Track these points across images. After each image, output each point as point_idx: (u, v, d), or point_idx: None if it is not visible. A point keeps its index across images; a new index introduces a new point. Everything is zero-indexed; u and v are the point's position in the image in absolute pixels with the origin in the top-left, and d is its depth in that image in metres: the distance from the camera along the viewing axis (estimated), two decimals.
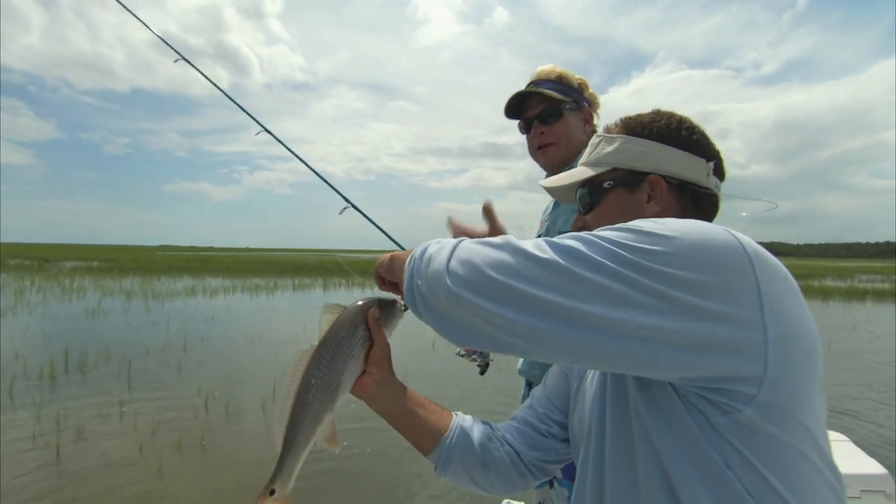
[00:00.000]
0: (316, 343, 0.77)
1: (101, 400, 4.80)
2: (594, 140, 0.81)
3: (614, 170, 0.76)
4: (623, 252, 0.53)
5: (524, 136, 1.56)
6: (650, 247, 0.52)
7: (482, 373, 1.63)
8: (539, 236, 1.59)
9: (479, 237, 1.25)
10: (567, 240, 0.55)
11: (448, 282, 0.56)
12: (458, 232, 1.19)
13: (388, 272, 0.74)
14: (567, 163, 1.48)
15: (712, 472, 0.55)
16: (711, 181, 0.74)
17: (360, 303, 0.81)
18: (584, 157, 0.83)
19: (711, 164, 0.74)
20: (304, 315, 10.97)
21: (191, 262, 31.16)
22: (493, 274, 0.54)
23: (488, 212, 1.18)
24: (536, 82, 1.50)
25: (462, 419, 0.87)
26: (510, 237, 0.59)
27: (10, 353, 6.43)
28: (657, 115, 0.77)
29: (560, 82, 1.49)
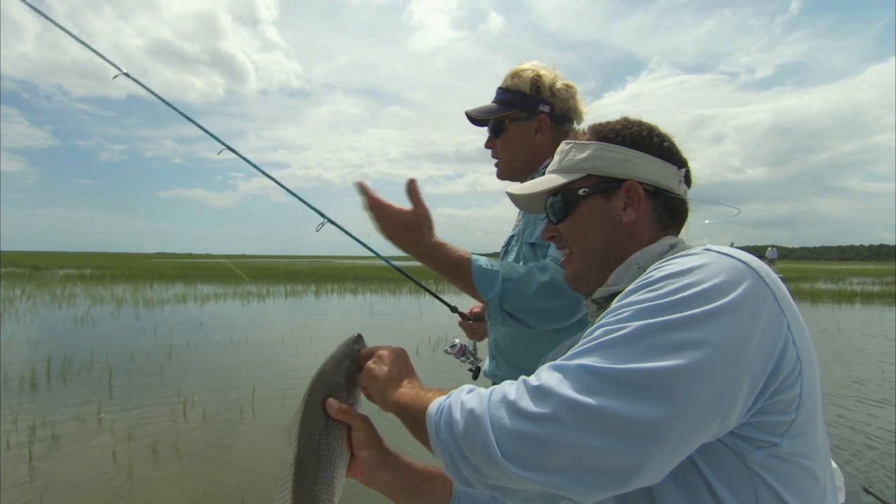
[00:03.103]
0: (293, 460, 0.71)
1: (80, 406, 4.82)
2: (563, 147, 0.80)
3: (588, 177, 0.75)
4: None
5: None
6: (688, 334, 0.50)
7: (475, 377, 1.56)
8: (512, 238, 1.53)
9: (395, 215, 1.18)
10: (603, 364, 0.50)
11: (516, 473, 0.50)
12: (373, 203, 1.17)
13: (379, 398, 0.71)
14: (515, 174, 1.46)
15: None
16: (682, 189, 0.75)
17: (314, 396, 0.73)
18: (553, 165, 0.81)
19: (683, 172, 0.75)
20: (293, 322, 10.98)
21: (185, 270, 31.06)
22: (558, 453, 0.49)
23: (413, 191, 1.15)
24: (497, 90, 1.45)
25: None
26: (540, 381, 0.52)
27: None
28: (628, 123, 0.77)
29: (509, 91, 1.42)
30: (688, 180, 0.77)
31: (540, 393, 0.51)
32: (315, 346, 7.93)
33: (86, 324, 9.95)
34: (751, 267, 0.55)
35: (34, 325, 9.73)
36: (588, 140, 0.77)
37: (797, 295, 17.89)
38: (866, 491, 2.35)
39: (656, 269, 0.59)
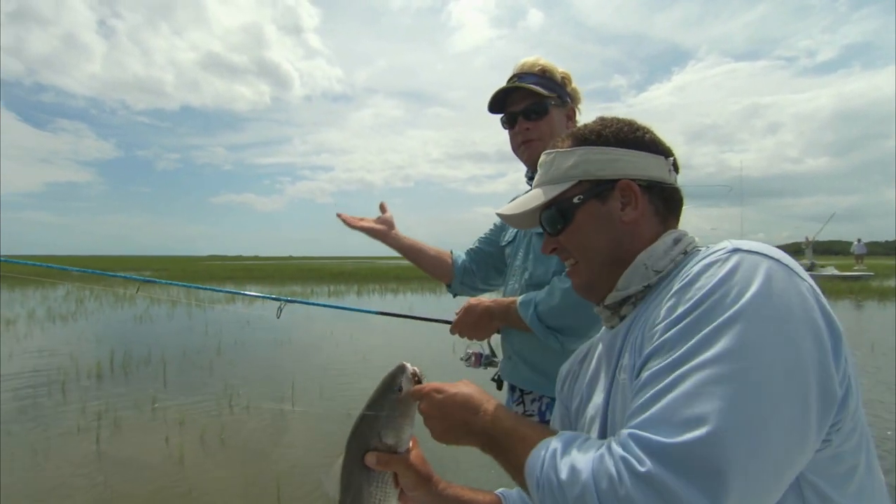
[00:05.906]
0: None
1: (139, 397, 5.23)
2: (546, 158, 0.78)
3: (580, 183, 0.73)
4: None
5: (507, 132, 1.49)
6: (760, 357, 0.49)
7: (499, 387, 1.54)
8: (518, 234, 1.57)
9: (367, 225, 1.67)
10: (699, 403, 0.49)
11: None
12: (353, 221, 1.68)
13: (446, 432, 0.70)
14: None
15: None
16: (673, 177, 0.74)
17: (352, 448, 0.72)
18: (539, 178, 0.78)
19: (671, 160, 0.74)
20: (334, 321, 11.33)
21: (235, 271, 32.59)
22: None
23: (383, 209, 1.67)
24: (520, 76, 1.42)
25: (511, 500, 0.83)
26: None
27: (66, 355, 7.08)
28: (605, 122, 0.76)
29: (543, 76, 1.41)
30: (676, 168, 0.76)
31: (646, 482, 0.49)
32: (354, 345, 8.20)
33: (144, 322, 10.72)
34: (783, 263, 0.55)
35: (100, 324, 10.58)
36: (570, 147, 0.75)
37: (862, 293, 16.69)
38: None
39: (688, 280, 0.58)
